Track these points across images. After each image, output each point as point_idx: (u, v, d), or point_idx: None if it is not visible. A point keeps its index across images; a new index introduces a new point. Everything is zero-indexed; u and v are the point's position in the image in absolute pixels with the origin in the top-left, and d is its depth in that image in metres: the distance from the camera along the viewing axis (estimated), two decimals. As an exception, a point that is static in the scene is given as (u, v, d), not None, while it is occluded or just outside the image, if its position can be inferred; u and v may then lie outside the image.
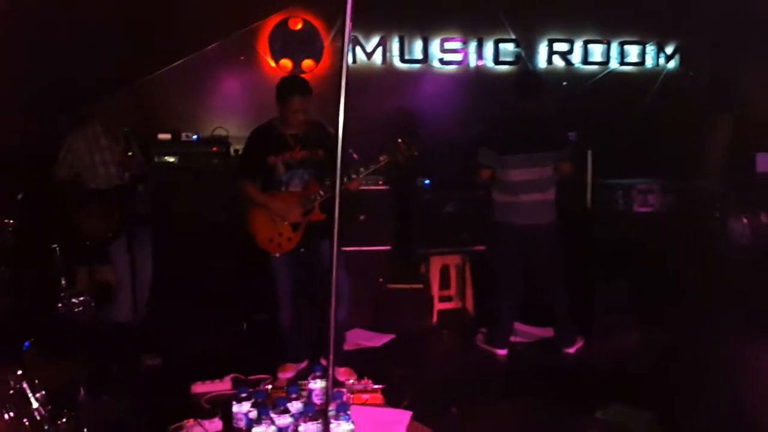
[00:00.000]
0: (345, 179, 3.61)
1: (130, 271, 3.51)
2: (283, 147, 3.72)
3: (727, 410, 3.10)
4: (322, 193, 3.70)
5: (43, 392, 2.23)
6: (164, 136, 4.53)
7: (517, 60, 5.94)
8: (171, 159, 4.31)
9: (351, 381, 3.28)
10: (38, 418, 2.17)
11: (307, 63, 5.45)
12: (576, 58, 6.09)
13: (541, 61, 6.04)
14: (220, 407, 3.12)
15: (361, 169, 3.66)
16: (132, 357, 3.63)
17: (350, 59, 5.58)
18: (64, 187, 3.79)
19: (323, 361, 3.14)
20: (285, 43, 5.41)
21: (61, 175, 3.80)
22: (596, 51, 6.15)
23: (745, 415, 3.03)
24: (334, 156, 2.43)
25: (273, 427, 2.25)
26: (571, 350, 4.26)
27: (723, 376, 3.50)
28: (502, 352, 4.33)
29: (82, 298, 2.78)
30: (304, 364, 3.91)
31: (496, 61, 5.89)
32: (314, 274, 3.77)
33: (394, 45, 5.69)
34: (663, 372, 3.80)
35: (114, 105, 3.87)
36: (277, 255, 3.76)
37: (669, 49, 6.34)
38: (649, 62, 6.31)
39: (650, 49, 6.29)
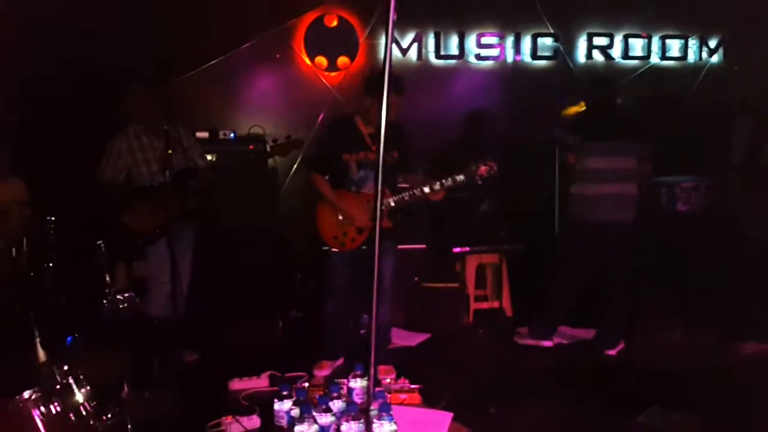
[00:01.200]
0: (427, 189, 3.56)
1: (170, 267, 3.52)
2: (360, 146, 3.64)
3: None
4: (393, 201, 3.61)
5: (88, 387, 2.25)
6: (202, 135, 4.55)
7: (556, 55, 5.84)
8: (209, 157, 4.33)
9: (389, 380, 3.26)
10: (84, 413, 2.19)
11: (343, 60, 5.44)
12: (616, 52, 5.95)
13: (581, 56, 5.92)
14: (258, 404, 3.14)
15: (438, 184, 3.55)
16: (171, 353, 3.66)
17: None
18: (109, 188, 3.84)
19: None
20: (320, 41, 5.41)
21: (105, 177, 3.87)
22: (637, 45, 6.00)
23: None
24: (378, 155, 2.43)
25: (315, 426, 2.24)
26: (613, 352, 4.16)
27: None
28: (548, 343, 4.27)
29: (126, 294, 2.80)
30: (340, 362, 3.89)
31: (534, 56, 5.79)
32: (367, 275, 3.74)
33: (430, 41, 5.64)
34: (707, 375, 3.67)
35: (153, 104, 3.90)
36: (336, 251, 3.72)
37: (712, 43, 6.15)
38: (692, 57, 6.15)
39: (692, 43, 6.12)
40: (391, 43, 2.19)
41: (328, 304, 3.83)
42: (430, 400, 3.20)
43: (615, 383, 3.75)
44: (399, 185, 3.75)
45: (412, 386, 3.34)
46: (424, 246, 4.97)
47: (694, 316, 4.42)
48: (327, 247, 3.75)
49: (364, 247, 3.67)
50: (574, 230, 4.22)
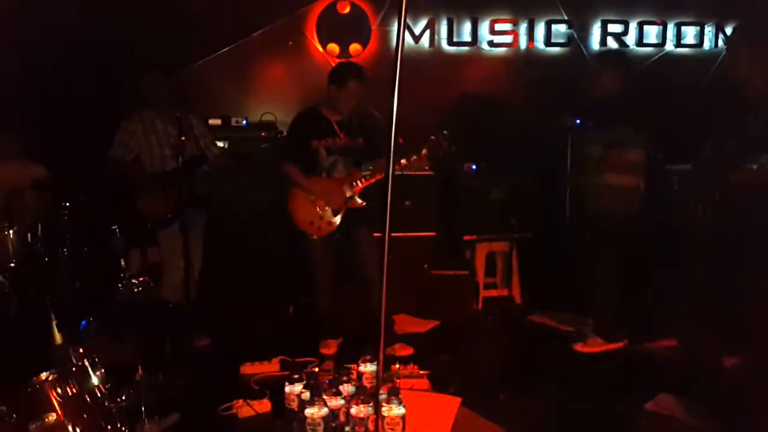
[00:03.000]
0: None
1: (183, 252, 3.57)
2: (328, 132, 3.75)
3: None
4: (364, 180, 3.74)
5: (103, 370, 2.29)
6: (214, 122, 4.59)
7: (570, 42, 5.79)
8: (221, 144, 4.37)
9: (398, 366, 3.29)
10: (99, 394, 2.24)
11: (355, 47, 5.43)
12: (630, 39, 5.88)
13: (595, 43, 5.86)
14: (269, 388, 3.19)
15: (403, 160, 3.67)
16: (184, 337, 3.72)
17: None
18: (121, 167, 3.89)
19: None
20: (333, 27, 5.40)
21: (117, 155, 3.92)
22: (652, 32, 5.93)
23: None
24: (386, 141, 2.45)
25: (325, 409, 2.27)
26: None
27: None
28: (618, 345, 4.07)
29: (141, 279, 2.84)
30: (340, 339, 3.95)
31: (548, 43, 5.75)
32: (350, 258, 3.81)
33: (443, 27, 5.61)
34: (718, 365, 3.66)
35: (166, 90, 3.93)
36: (315, 238, 3.78)
37: (729, 30, 6.06)
38: (707, 44, 6.07)
39: (708, 30, 6.03)
40: (404, 31, 2.20)
41: (318, 290, 3.93)
42: (438, 386, 3.24)
43: (623, 372, 3.75)
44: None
45: (421, 372, 3.38)
46: (434, 233, 4.99)
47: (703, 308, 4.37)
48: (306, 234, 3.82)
49: (337, 236, 3.79)
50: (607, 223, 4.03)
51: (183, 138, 3.62)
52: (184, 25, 4.75)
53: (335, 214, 3.77)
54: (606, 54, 5.04)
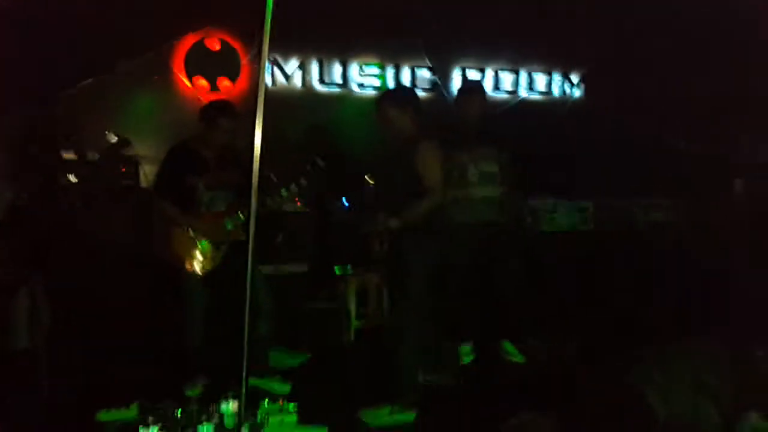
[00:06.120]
0: (269, 201, 3.66)
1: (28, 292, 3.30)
2: (203, 168, 3.69)
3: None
4: (241, 214, 3.69)
5: None
6: (68, 156, 4.31)
7: (433, 87, 6.14)
8: (74, 179, 4.11)
9: (266, 401, 3.23)
10: None
11: (224, 83, 5.41)
12: (488, 85, 6.36)
13: (455, 88, 6.27)
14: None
15: (284, 192, 3.70)
16: (35, 385, 3.41)
17: (269, 81, 5.59)
18: None
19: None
20: (201, 63, 5.36)
21: None
22: (507, 79, 6.45)
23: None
24: (250, 176, 2.47)
25: (181, 451, 2.18)
26: None
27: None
28: None
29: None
30: (205, 380, 3.81)
31: (413, 86, 6.06)
32: (232, 292, 3.72)
33: (313, 68, 5.76)
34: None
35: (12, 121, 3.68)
36: (195, 274, 3.68)
37: (575, 78, 6.74)
38: (557, 91, 6.69)
39: (557, 78, 6.66)
40: (264, 66, 2.26)
41: (192, 329, 3.77)
42: (307, 418, 3.21)
43: (485, 391, 3.90)
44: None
45: (289, 405, 3.34)
46: (305, 268, 5.00)
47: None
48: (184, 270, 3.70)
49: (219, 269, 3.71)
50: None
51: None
52: (46, 54, 4.49)
53: (217, 248, 3.70)
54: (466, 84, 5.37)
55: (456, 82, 6.27)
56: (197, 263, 3.70)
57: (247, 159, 3.74)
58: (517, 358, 4.19)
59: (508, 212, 4.24)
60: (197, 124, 3.71)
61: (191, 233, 3.67)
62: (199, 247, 3.70)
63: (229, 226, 3.71)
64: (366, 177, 5.21)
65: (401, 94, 3.76)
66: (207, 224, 3.68)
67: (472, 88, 4.64)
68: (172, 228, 3.68)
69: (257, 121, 2.54)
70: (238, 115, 3.71)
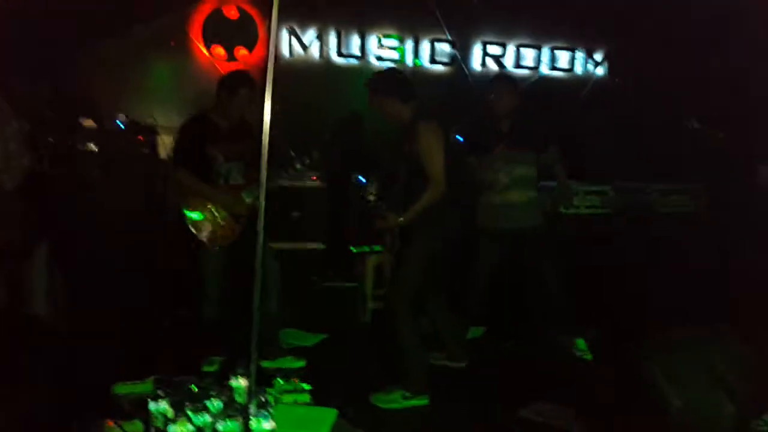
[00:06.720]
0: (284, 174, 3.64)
1: (46, 263, 3.31)
2: (221, 138, 3.63)
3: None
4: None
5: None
6: (88, 123, 4.29)
7: (453, 61, 6.02)
8: (94, 147, 4.10)
9: (280, 380, 3.24)
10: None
11: (242, 52, 5.34)
12: (509, 61, 6.21)
13: (476, 63, 6.14)
14: (142, 408, 3.01)
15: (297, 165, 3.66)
16: (50, 354, 3.43)
17: (287, 51, 5.52)
18: None
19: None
20: (219, 31, 5.29)
21: None
22: (528, 56, 6.29)
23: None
24: (262, 148, 2.43)
25: (189, 426, 2.19)
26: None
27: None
28: None
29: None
30: (228, 358, 3.83)
31: (432, 61, 5.94)
32: (248, 266, 3.71)
33: (331, 39, 5.66)
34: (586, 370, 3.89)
35: (29, 87, 3.64)
36: (217, 247, 3.66)
37: (598, 57, 6.56)
38: (579, 68, 6.52)
39: (580, 55, 6.49)
40: (276, 36, 2.20)
41: (208, 303, 3.76)
42: (321, 399, 3.20)
43: (498, 380, 3.88)
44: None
45: (303, 385, 3.34)
46: (323, 245, 4.98)
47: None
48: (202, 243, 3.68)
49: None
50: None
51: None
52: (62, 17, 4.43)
53: (236, 221, 3.66)
54: (501, 78, 4.78)
55: (476, 57, 6.13)
56: (217, 235, 3.68)
57: (253, 130, 3.73)
58: (587, 356, 4.02)
59: (541, 217, 4.04)
60: (216, 94, 3.64)
61: (210, 205, 3.65)
62: (219, 218, 3.68)
63: (248, 199, 3.68)
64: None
65: (385, 79, 3.53)
66: (226, 196, 3.63)
67: (500, 80, 4.32)
68: (191, 198, 3.66)
69: (266, 94, 2.49)
70: (256, 85, 3.65)
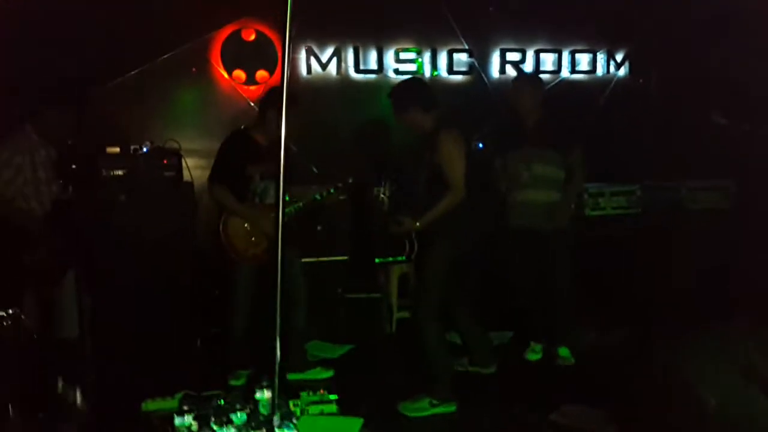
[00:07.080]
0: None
1: (75, 286, 3.40)
2: (261, 157, 3.65)
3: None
4: (301, 204, 3.76)
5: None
6: (112, 150, 4.42)
7: (471, 70, 6.01)
8: (119, 172, 4.21)
9: (307, 392, 3.26)
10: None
11: (261, 74, 5.43)
12: (528, 67, 6.18)
13: (494, 71, 6.12)
14: (170, 424, 3.05)
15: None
16: (80, 374, 3.52)
17: (304, 70, 5.60)
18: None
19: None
20: (238, 54, 5.39)
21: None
22: (548, 60, 6.26)
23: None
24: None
25: (214, 439, 2.21)
26: None
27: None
28: None
29: (11, 312, 2.68)
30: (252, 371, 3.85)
31: (450, 71, 5.95)
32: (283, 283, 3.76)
33: (349, 55, 5.72)
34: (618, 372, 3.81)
35: (57, 116, 3.76)
36: (250, 265, 3.71)
37: (619, 57, 6.48)
38: (600, 70, 6.45)
39: (600, 57, 6.42)
40: (289, 55, 2.24)
41: (237, 318, 3.79)
42: (347, 410, 3.20)
43: (528, 383, 3.84)
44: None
45: (330, 396, 3.35)
46: (346, 257, 4.99)
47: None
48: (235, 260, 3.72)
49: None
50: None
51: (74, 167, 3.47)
52: (86, 50, 4.60)
53: (269, 241, 3.67)
54: (523, 77, 4.91)
55: (495, 65, 6.12)
56: (249, 254, 3.70)
57: (297, 150, 3.75)
58: (569, 361, 4.04)
59: (564, 217, 4.01)
60: (258, 111, 3.73)
61: (245, 224, 3.67)
62: (252, 237, 3.69)
63: (289, 218, 3.69)
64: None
65: (407, 89, 3.61)
66: (262, 216, 3.64)
67: (523, 79, 4.34)
68: (227, 216, 3.68)
69: (281, 114, 2.54)
70: (297, 103, 3.66)
